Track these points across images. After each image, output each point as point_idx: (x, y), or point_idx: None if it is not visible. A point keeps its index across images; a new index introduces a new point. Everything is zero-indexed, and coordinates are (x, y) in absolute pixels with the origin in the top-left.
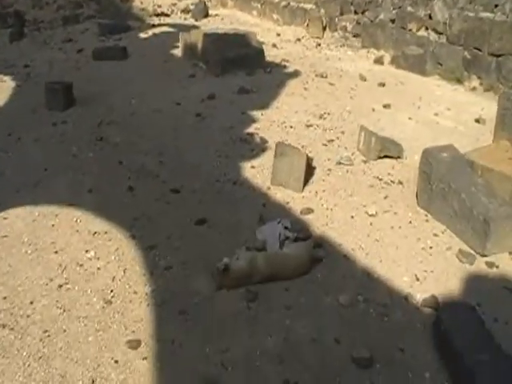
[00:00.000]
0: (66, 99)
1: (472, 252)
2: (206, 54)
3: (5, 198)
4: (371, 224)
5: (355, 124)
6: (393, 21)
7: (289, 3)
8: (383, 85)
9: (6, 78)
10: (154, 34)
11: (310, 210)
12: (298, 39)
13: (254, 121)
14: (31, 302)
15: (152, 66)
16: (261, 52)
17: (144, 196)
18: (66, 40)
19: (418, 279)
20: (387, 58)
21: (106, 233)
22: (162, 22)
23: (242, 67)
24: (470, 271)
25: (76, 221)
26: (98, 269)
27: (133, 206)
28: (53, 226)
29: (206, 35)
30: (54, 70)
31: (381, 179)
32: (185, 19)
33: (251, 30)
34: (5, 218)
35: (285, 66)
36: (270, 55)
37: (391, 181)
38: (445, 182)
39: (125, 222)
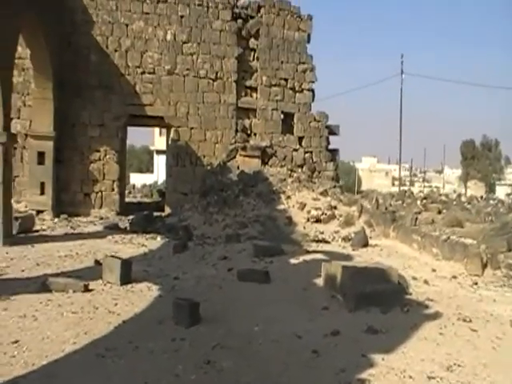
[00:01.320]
0: (190, 317)
1: None
2: (344, 287)
3: None
4: None
5: (488, 381)
6: None
7: (449, 237)
8: None
9: (154, 287)
10: (305, 261)
11: None
12: (454, 276)
13: (371, 365)
14: None
15: (289, 293)
16: (400, 289)
17: None
18: (222, 257)
19: None
20: None
21: None
22: (317, 248)
23: (378, 304)
24: None
25: None
26: None
27: None
28: None
29: (345, 267)
30: (198, 286)
31: None
32: (343, 247)
33: (391, 266)
34: None
35: (426, 306)
36: (417, 292)
37: None
38: None
39: None
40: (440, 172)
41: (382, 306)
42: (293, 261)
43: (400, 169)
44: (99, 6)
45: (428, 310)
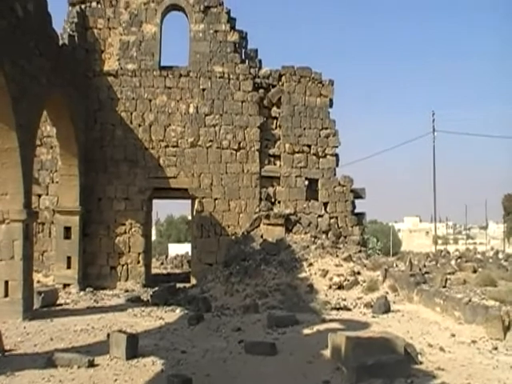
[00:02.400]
0: None
1: None
2: (347, 359)
3: None
4: None
5: None
6: None
7: (470, 299)
8: None
9: (159, 361)
10: (318, 331)
11: None
12: (474, 341)
13: None
14: None
15: (293, 366)
16: (406, 359)
17: None
18: (236, 329)
19: None
20: None
21: None
22: (336, 316)
23: (380, 376)
24: None
25: None
26: None
27: None
28: None
29: (349, 338)
30: (203, 360)
31: None
32: (364, 314)
33: (398, 335)
34: None
35: (434, 376)
36: (429, 361)
37: None
38: None
39: None
40: (484, 228)
41: (385, 377)
42: (306, 331)
43: (435, 227)
44: (123, 83)
45: (434, 381)
